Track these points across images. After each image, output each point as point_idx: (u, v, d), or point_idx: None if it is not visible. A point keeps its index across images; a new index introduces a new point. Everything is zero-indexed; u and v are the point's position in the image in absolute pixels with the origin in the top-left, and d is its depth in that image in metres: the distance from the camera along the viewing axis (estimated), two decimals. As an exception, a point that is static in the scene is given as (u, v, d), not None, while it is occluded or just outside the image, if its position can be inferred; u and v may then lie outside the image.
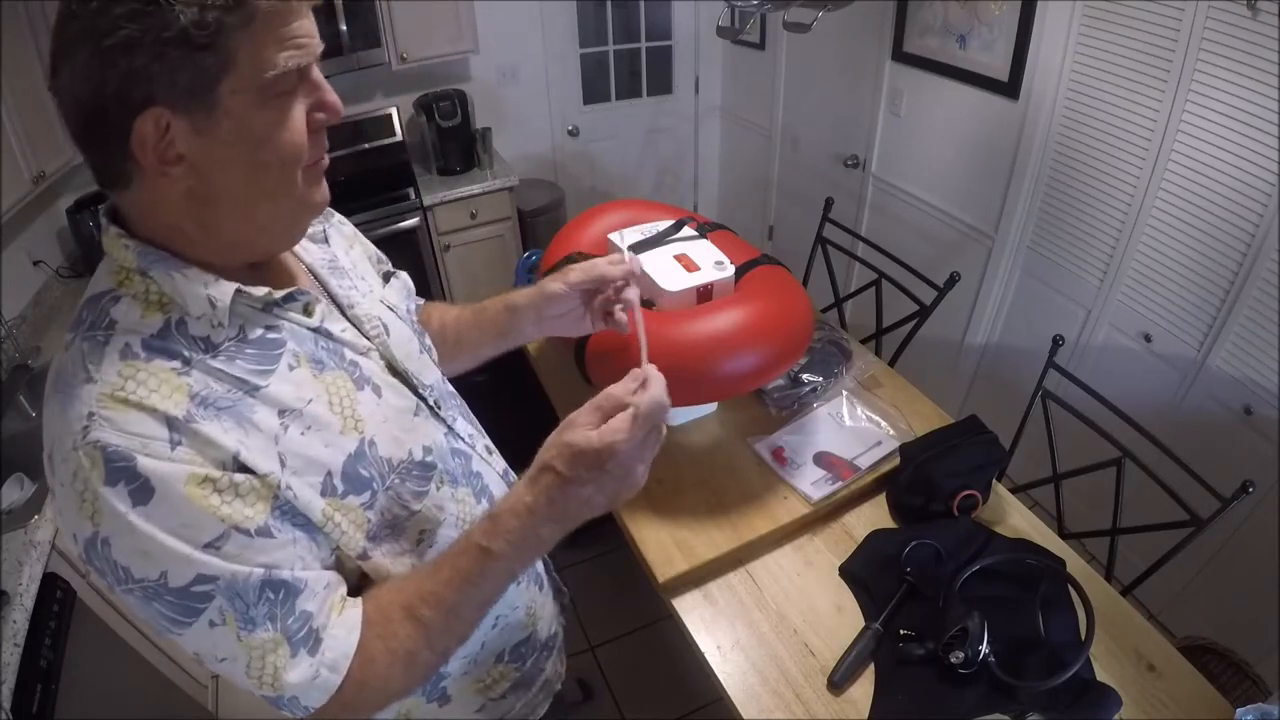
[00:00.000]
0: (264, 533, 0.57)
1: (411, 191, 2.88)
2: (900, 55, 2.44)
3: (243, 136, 0.54)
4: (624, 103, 3.58)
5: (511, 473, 0.91)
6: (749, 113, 3.47)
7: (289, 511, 0.60)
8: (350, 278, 0.76)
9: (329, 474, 0.62)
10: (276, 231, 0.63)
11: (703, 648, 1.10)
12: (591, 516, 0.64)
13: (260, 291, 0.61)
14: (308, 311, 0.66)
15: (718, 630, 1.12)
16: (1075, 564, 1.20)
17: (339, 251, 0.78)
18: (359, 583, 0.68)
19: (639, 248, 1.34)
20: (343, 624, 0.62)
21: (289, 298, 0.64)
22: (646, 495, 1.22)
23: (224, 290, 0.59)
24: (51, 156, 2.00)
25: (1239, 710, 0.91)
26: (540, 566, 0.95)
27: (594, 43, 3.37)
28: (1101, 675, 1.04)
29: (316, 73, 0.58)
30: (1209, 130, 1.64)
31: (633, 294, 0.85)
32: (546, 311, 0.92)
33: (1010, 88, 2.09)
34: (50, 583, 1.36)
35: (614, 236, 1.41)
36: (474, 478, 0.80)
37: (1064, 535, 1.32)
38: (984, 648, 0.98)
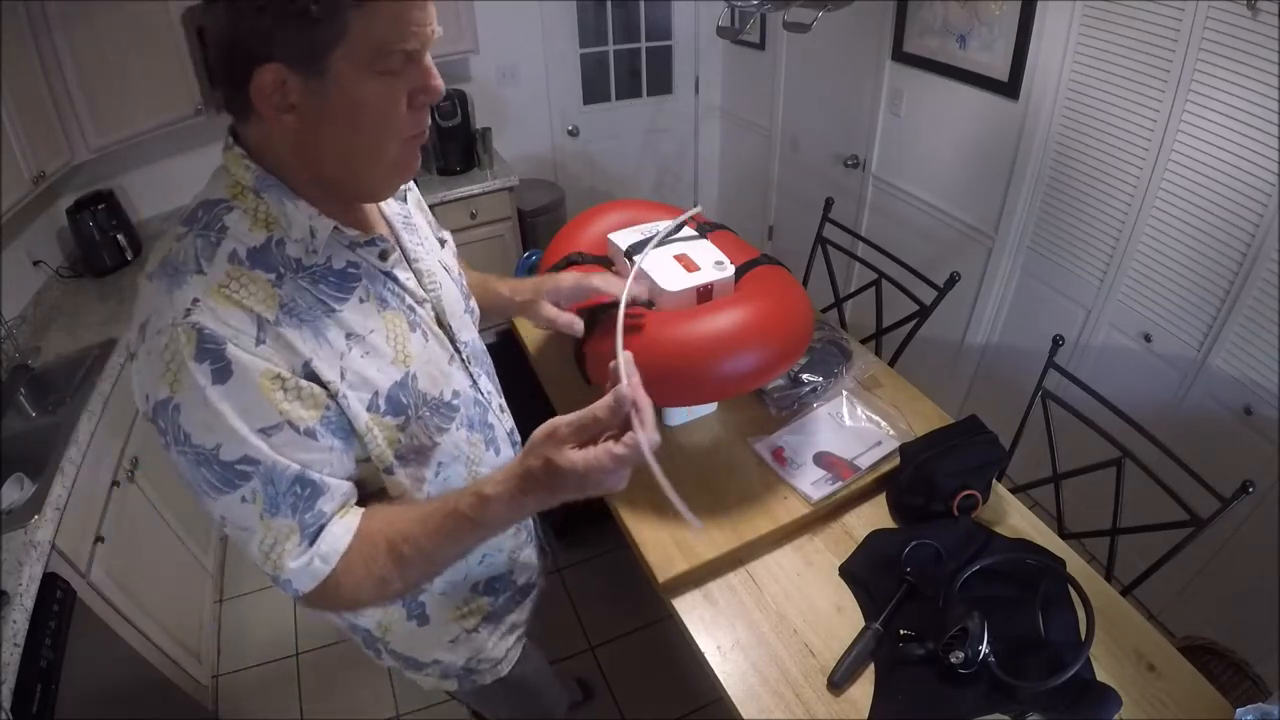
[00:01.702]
0: (310, 434, 0.68)
1: (411, 191, 2.88)
2: (900, 55, 2.44)
3: (346, 101, 0.62)
4: (624, 103, 3.58)
5: (517, 432, 1.03)
6: (749, 113, 3.47)
7: (336, 422, 0.71)
8: (419, 235, 0.88)
9: (376, 393, 0.74)
10: (368, 187, 0.74)
11: (703, 648, 1.10)
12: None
13: (352, 233, 0.72)
14: (383, 256, 0.77)
15: (718, 630, 1.12)
16: (1075, 564, 1.20)
17: (413, 209, 0.91)
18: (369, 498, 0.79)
19: (638, 248, 1.34)
20: (342, 524, 0.72)
21: (371, 242, 0.75)
22: (646, 495, 1.22)
23: (324, 224, 0.70)
24: (51, 156, 1.99)
25: (1239, 710, 0.91)
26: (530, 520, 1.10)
27: (594, 43, 3.36)
28: (1101, 675, 1.04)
29: (427, 58, 0.66)
30: (1209, 130, 1.64)
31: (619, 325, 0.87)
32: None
33: (1010, 88, 2.08)
34: (50, 583, 1.36)
35: (614, 237, 1.41)
36: (486, 428, 0.92)
37: (1064, 535, 1.32)
38: (984, 648, 0.98)
